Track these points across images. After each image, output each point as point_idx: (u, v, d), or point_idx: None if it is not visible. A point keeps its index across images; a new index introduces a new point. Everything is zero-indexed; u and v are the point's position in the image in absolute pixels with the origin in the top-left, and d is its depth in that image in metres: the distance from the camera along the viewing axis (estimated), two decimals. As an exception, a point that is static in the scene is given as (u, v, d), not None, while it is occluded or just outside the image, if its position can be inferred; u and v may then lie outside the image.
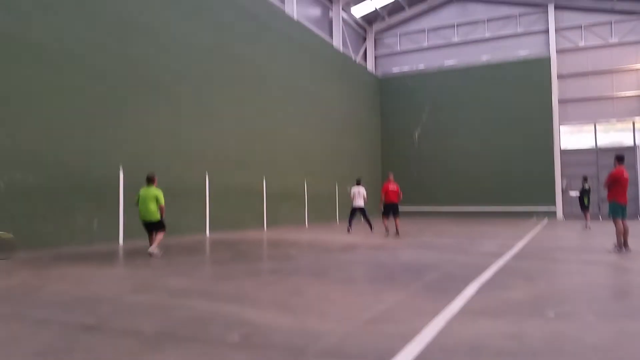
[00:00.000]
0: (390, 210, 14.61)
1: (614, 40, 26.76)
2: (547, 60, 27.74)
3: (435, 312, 4.57)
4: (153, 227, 9.80)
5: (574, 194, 24.70)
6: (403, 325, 4.16)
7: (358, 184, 16.44)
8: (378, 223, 16.28)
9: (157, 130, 14.09)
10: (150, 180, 9.94)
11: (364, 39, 31.93)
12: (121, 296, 5.58)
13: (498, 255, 9.39)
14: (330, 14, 27.24)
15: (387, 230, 14.55)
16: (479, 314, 4.58)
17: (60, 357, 3.42)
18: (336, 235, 15.12)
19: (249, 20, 18.64)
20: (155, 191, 9.76)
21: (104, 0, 12.66)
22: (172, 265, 8.20)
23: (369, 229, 15.73)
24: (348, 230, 16.07)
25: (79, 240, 11.46)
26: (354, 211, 16.21)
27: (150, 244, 9.70)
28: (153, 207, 9.63)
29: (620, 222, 9.83)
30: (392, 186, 14.70)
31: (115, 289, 6.01)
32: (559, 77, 27.72)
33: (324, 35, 26.07)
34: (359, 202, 15.97)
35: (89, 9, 12.24)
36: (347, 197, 25.02)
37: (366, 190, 16.42)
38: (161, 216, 9.74)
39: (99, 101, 12.37)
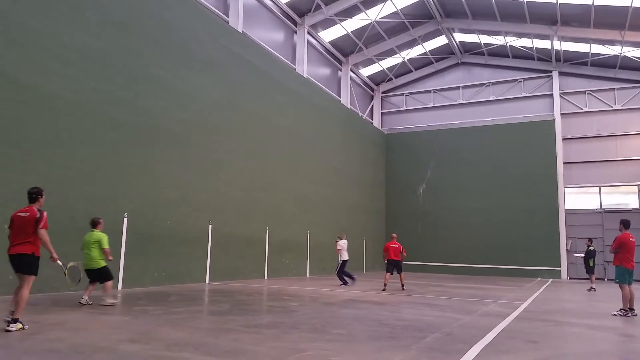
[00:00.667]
0: (392, 267, 15.26)
1: (617, 106, 27.20)
2: (552, 123, 28.11)
3: (436, 376, 4.46)
4: (97, 277, 9.38)
5: (579, 255, 24.48)
6: (403, 389, 4.06)
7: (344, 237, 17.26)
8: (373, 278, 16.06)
9: (164, 178, 14.24)
10: (93, 224, 9.52)
11: (371, 97, 32.62)
12: (117, 346, 5.48)
13: (501, 316, 9.22)
14: (339, 73, 28.01)
15: (385, 285, 15.00)
16: (481, 379, 4.46)
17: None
18: (338, 288, 14.92)
19: (260, 77, 19.18)
20: (98, 235, 9.37)
21: (119, 54, 13.10)
22: (170, 314, 8.09)
23: (347, 282, 16.46)
24: (346, 284, 16.51)
25: (79, 285, 11.33)
26: (345, 263, 16.80)
27: (86, 293, 9.33)
28: (95, 252, 9.26)
29: (626, 287, 9.73)
30: (394, 244, 15.43)
31: (112, 338, 5.91)
32: (564, 139, 28.01)
33: (332, 92, 26.70)
34: (345, 255, 16.84)
35: (105, 62, 12.66)
36: (351, 249, 24.94)
37: (350, 243, 17.71)
38: (106, 262, 9.41)
39: (109, 149, 12.58)
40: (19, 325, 6.36)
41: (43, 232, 6.91)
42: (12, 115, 10.38)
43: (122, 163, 12.96)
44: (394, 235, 16.23)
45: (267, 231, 18.96)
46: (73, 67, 11.76)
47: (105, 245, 9.33)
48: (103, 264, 9.38)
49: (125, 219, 12.75)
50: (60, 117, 11.40)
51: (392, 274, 15.25)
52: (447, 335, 6.84)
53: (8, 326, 6.26)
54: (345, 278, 16.53)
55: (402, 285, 15.22)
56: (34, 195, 7.24)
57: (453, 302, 11.96)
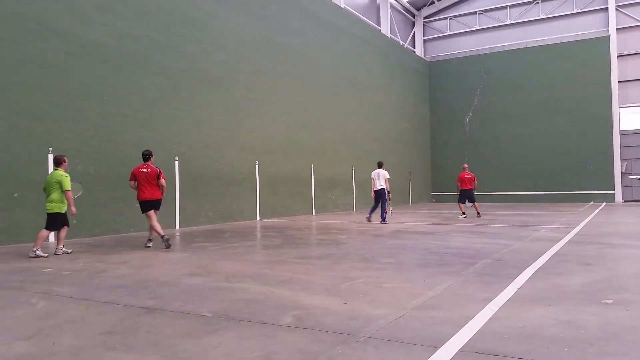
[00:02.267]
0: (465, 196, 16.12)
1: (680, 15, 25.24)
2: (606, 39, 26.45)
3: (487, 299, 4.54)
4: (47, 221, 8.15)
5: (635, 177, 23.65)
6: (454, 312, 4.16)
7: (380, 166, 14.66)
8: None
9: (209, 121, 14.47)
10: (56, 163, 8.32)
11: (413, 24, 31.40)
12: (179, 279, 5.82)
13: (553, 240, 9.15)
14: (378, 0, 26.93)
15: (463, 213, 16.05)
16: (533, 300, 4.51)
17: (125, 336, 3.63)
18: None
19: (296, 10, 18.73)
20: (59, 176, 8.07)
21: (159, 0, 13.06)
22: (226, 250, 8.46)
23: (381, 219, 14.09)
24: (368, 219, 14.56)
25: (138, 226, 11.96)
26: (377, 194, 14.35)
27: (37, 244, 7.92)
28: (55, 195, 8.04)
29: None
30: (467, 175, 16.15)
31: (174, 273, 6.27)
32: (619, 56, 26.39)
33: (371, 22, 25.83)
34: (379, 184, 14.23)
35: (145, 8, 12.68)
36: (396, 183, 24.97)
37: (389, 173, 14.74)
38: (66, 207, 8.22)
39: (155, 95, 12.82)
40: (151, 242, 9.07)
41: (163, 182, 9.03)
42: (59, 65, 10.66)
43: (169, 108, 13.21)
44: (466, 165, 17.02)
45: (312, 168, 19.14)
46: (112, 14, 11.83)
47: (67, 186, 8.06)
48: (63, 210, 8.19)
49: (177, 162, 13.14)
50: (105, 66, 11.63)
51: (464, 203, 16.12)
52: (497, 261, 6.87)
53: (147, 244, 8.99)
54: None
55: (478, 213, 16.11)
56: (147, 155, 9.07)
57: (502, 229, 11.92)
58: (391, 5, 28.01)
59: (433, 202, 29.84)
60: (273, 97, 17.19)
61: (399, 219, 15.81)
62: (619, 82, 26.34)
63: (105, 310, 4.39)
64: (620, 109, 26.44)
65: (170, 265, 7.04)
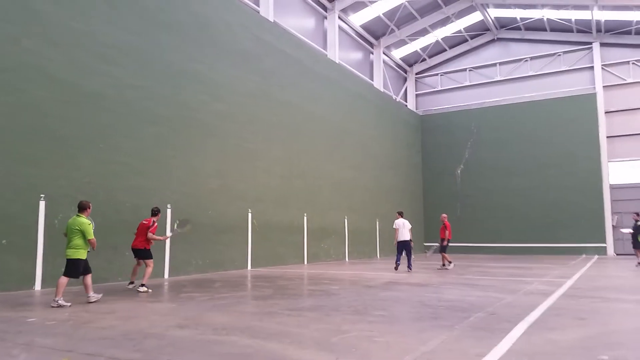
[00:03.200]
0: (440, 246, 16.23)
1: (663, 74, 26.09)
2: (593, 96, 27.18)
3: (481, 355, 4.46)
4: (67, 268, 7.96)
5: (627, 231, 23.75)
6: (447, 367, 4.08)
7: (401, 215, 15.26)
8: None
9: (204, 169, 14.55)
10: (80, 209, 8.28)
11: (405, 80, 32.22)
12: (166, 331, 5.69)
13: (546, 294, 9.08)
14: (371, 57, 27.75)
15: (449, 262, 16.15)
16: (528, 356, 4.44)
17: (109, 390, 3.51)
18: (377, 271, 14.95)
19: (292, 65, 19.23)
20: (82, 223, 8.03)
21: (158, 51, 13.39)
22: (215, 300, 8.31)
23: (407, 267, 14.72)
24: (396, 268, 14.92)
25: (127, 275, 11.74)
26: (401, 245, 14.75)
27: (57, 294, 7.70)
28: (77, 241, 7.95)
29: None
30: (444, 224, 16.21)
31: (161, 324, 6.13)
32: (607, 112, 27.06)
33: (365, 76, 26.51)
34: (406, 235, 14.66)
35: (144, 59, 12.96)
36: (389, 233, 24.93)
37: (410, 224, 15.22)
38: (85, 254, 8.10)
39: (151, 143, 12.93)
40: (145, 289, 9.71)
41: (150, 235, 10.07)
42: (56, 113, 10.77)
43: (164, 156, 13.29)
44: (444, 215, 17.02)
45: (305, 217, 19.12)
46: (113, 65, 12.08)
47: (90, 235, 8.07)
48: (84, 256, 8.09)
49: (169, 210, 13.09)
50: (103, 114, 11.76)
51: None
52: (491, 315, 6.79)
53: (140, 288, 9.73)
54: (398, 261, 15.04)
55: (443, 264, 16.11)
56: (154, 210, 10.51)
57: (495, 281, 11.83)
58: (384, 62, 28.84)
59: (425, 252, 29.68)
60: (267, 146, 17.37)
61: (392, 269, 15.65)
62: (607, 137, 26.87)
63: (89, 363, 4.26)
64: (609, 163, 26.86)
65: (158, 316, 6.89)
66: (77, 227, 7.99)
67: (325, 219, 20.52)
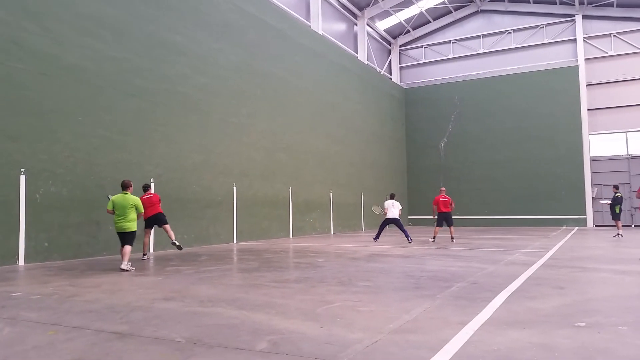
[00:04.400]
0: (443, 220, 15.75)
1: (645, 47, 26.28)
2: (575, 69, 27.35)
3: (463, 323, 4.56)
4: (130, 239, 9.23)
5: (605, 202, 24.24)
6: (430, 336, 4.17)
7: (392, 197, 16.40)
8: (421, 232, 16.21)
9: (187, 143, 14.41)
10: (125, 187, 9.38)
11: (389, 52, 32.02)
12: (152, 304, 5.71)
13: (527, 264, 9.27)
14: (355, 28, 27.46)
15: (434, 237, 15.76)
16: (508, 324, 4.55)
17: (96, 361, 3.53)
18: (362, 244, 15.11)
19: (276, 37, 18.95)
20: (135, 199, 9.36)
21: (137, 22, 13.07)
22: (201, 273, 8.34)
23: (407, 240, 15.66)
24: (375, 239, 16.21)
25: (111, 249, 11.73)
26: (387, 222, 16.20)
27: (124, 258, 9.00)
28: (133, 215, 9.24)
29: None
30: (444, 197, 15.80)
31: (147, 297, 6.15)
32: (588, 85, 27.28)
33: (349, 49, 26.27)
34: (394, 213, 15.91)
35: (123, 30, 12.65)
36: (370, 207, 25.21)
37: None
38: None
39: (132, 116, 12.73)
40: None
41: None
42: (34, 86, 10.53)
43: (146, 130, 13.13)
44: (443, 188, 16.69)
45: (290, 192, 19.15)
46: (90, 36, 11.78)
47: (142, 209, 9.53)
48: (136, 227, 9.40)
49: (153, 185, 12.99)
50: (82, 87, 11.52)
51: (441, 227, 15.86)
52: (472, 284, 6.93)
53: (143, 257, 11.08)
54: (378, 235, 16.43)
55: (452, 238, 15.87)
56: (145, 186, 11.26)
57: (477, 252, 12.03)
58: (368, 34, 28.58)
59: (410, 225, 30.00)
60: (251, 120, 17.24)
61: (375, 242, 15.83)
62: (588, 110, 27.15)
63: (75, 336, 4.27)
64: (590, 135, 27.21)
65: (144, 289, 6.90)
66: (131, 203, 9.21)
67: (311, 192, 20.57)
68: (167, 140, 13.78)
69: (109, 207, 9.30)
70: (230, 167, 16.08)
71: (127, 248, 9.08)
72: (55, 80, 10.95)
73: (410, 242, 15.30)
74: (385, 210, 16.14)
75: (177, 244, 10.81)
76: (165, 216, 11.17)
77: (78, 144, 11.33)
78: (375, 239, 16.31)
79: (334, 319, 4.83)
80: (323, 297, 6.07)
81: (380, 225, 16.50)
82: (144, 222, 10.90)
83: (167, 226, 11.10)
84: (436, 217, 15.87)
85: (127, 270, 8.79)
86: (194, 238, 14.39)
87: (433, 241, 15.53)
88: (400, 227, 15.96)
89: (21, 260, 9.92)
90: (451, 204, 15.89)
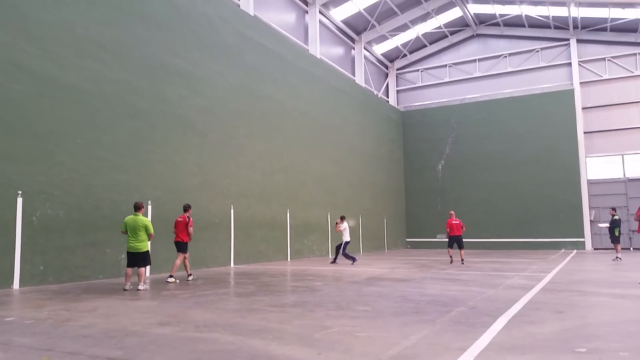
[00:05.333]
0: (454, 242, 16.52)
1: (639, 71, 26.54)
2: (571, 92, 27.60)
3: (462, 348, 4.51)
4: (139, 259, 9.67)
5: (603, 225, 24.23)
6: (429, 361, 4.11)
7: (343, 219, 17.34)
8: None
9: (185, 164, 14.41)
10: (137, 208, 9.79)
11: (386, 75, 32.32)
12: (148, 329, 5.64)
13: (526, 288, 9.21)
14: (353, 52, 27.78)
15: (451, 258, 16.71)
16: (508, 349, 4.50)
17: (90, 389, 3.46)
18: (361, 267, 15.01)
19: (274, 60, 19.14)
20: (144, 220, 9.72)
21: (137, 44, 13.19)
22: (197, 297, 8.26)
23: (334, 260, 17.08)
24: (334, 262, 17.09)
25: (108, 272, 11.64)
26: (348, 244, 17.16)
27: (126, 280, 9.61)
28: (144, 236, 9.62)
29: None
30: (455, 221, 16.51)
31: (142, 322, 6.07)
32: (584, 108, 27.51)
33: (346, 72, 26.53)
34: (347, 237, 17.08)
35: (122, 52, 12.75)
36: (371, 229, 25.20)
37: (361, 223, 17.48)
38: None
39: (130, 138, 12.74)
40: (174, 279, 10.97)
41: (190, 230, 11.36)
42: (33, 108, 10.55)
43: (144, 151, 13.13)
44: (452, 212, 17.15)
45: (288, 213, 19.09)
46: (90, 58, 11.86)
47: (152, 230, 9.80)
48: (147, 248, 9.72)
49: (150, 207, 12.95)
50: (81, 109, 11.55)
51: (452, 248, 16.61)
52: (471, 309, 6.87)
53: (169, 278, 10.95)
54: (348, 259, 17.01)
55: (462, 260, 16.35)
56: (185, 207, 11.58)
57: (476, 276, 11.96)
58: (365, 57, 28.89)
59: (408, 248, 29.89)
60: (249, 142, 17.28)
61: (374, 265, 15.74)
62: (584, 132, 27.32)
63: (69, 362, 4.20)
64: (587, 158, 27.33)
65: (139, 313, 6.82)
66: (141, 224, 9.58)
67: (309, 214, 20.52)
68: (166, 161, 13.78)
69: (122, 228, 9.72)
70: (228, 188, 16.06)
71: (142, 270, 9.58)
72: (54, 102, 10.98)
73: (354, 261, 16.52)
74: (338, 230, 17.17)
75: (169, 280, 10.97)
76: (182, 244, 11.28)
77: (76, 165, 11.31)
78: (354, 260, 16.74)
79: (332, 344, 4.77)
80: (321, 322, 6.00)
81: (344, 250, 17.05)
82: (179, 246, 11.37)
83: (179, 255, 11.27)
84: (447, 238, 16.73)
85: (143, 290, 9.33)
86: (191, 261, 14.21)
87: (451, 262, 16.40)
88: (339, 248, 17.01)
89: (16, 284, 9.82)
90: (462, 227, 16.60)
